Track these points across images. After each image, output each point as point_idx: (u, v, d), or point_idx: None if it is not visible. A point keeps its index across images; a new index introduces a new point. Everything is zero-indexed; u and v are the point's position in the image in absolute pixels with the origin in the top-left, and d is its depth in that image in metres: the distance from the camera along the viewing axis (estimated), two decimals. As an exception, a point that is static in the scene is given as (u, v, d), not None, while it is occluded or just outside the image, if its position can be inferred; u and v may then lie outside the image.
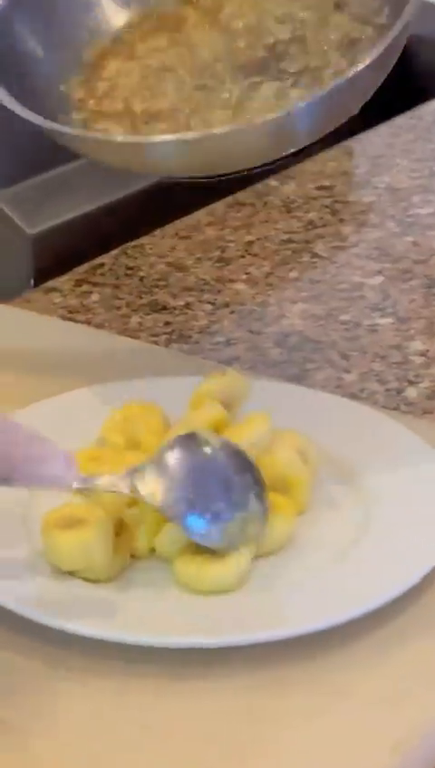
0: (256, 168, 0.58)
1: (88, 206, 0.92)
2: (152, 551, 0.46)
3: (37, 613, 0.41)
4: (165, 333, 0.70)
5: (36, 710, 0.39)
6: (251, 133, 0.53)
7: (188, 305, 0.73)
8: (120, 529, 0.45)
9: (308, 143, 0.57)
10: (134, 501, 0.45)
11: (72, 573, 0.44)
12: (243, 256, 0.79)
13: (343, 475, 0.51)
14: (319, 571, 0.46)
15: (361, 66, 0.52)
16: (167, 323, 0.71)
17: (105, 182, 0.93)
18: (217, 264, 0.78)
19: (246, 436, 0.48)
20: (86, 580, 0.44)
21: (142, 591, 0.45)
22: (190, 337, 0.70)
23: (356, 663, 0.41)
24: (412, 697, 0.41)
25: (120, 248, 0.80)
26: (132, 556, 0.46)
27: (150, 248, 0.80)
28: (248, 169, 0.58)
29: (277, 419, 0.49)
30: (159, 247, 0.80)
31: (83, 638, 0.41)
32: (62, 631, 0.41)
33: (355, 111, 0.56)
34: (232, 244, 0.80)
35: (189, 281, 0.76)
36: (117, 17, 0.61)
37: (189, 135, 0.55)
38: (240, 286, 0.76)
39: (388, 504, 0.49)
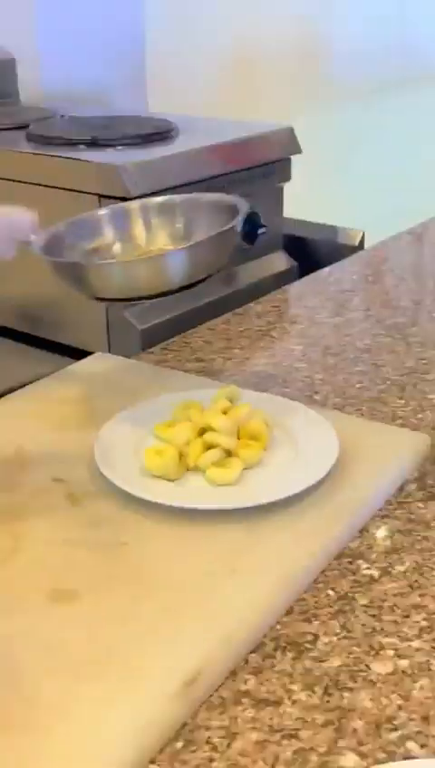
0: (172, 292, 0.89)
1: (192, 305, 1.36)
2: (196, 467, 0.80)
3: (146, 495, 0.75)
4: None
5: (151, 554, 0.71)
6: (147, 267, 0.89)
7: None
8: (181, 455, 0.79)
9: (187, 283, 0.89)
10: (191, 440, 0.80)
11: (160, 476, 0.79)
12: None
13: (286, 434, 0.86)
14: (274, 474, 0.80)
15: (198, 241, 0.90)
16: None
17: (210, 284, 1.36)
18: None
19: (239, 413, 0.84)
20: (166, 480, 0.79)
21: (194, 485, 0.79)
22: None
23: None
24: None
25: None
26: (187, 469, 0.80)
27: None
28: (165, 293, 0.90)
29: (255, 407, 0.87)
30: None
31: (171, 507, 0.74)
32: (157, 504, 0.74)
33: (199, 274, 0.90)
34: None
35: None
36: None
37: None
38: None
39: (305, 447, 0.83)
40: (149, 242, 0.97)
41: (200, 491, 0.78)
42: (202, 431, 0.81)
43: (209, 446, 0.79)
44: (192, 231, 0.97)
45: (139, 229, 0.98)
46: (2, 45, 1.77)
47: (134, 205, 1.01)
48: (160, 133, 1.35)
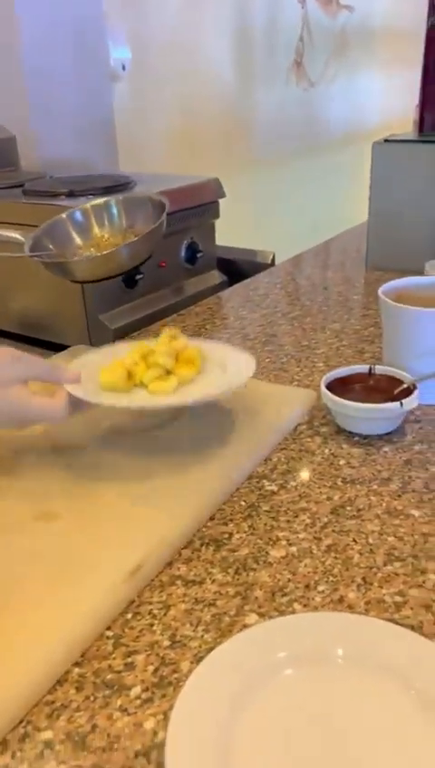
0: (120, 275, 0.91)
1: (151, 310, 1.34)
2: (141, 383, 0.73)
3: (97, 399, 0.68)
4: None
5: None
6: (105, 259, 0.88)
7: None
8: (131, 373, 0.73)
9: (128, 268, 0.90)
10: (139, 361, 0.73)
11: (111, 389, 0.71)
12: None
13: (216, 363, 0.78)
14: (202, 387, 0.73)
15: (136, 239, 0.88)
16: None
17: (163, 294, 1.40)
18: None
19: (177, 344, 0.77)
20: (118, 391, 0.72)
21: (140, 395, 0.72)
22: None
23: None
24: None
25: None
26: (135, 385, 0.73)
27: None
28: (114, 276, 0.91)
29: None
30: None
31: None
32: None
33: (141, 259, 0.91)
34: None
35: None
36: None
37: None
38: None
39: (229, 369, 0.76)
40: (104, 234, 0.97)
41: (143, 399, 0.72)
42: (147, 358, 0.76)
43: (152, 367, 0.74)
44: (133, 223, 0.98)
45: (95, 225, 0.98)
46: (4, 126, 1.73)
47: (87, 206, 0.99)
48: (121, 185, 1.33)
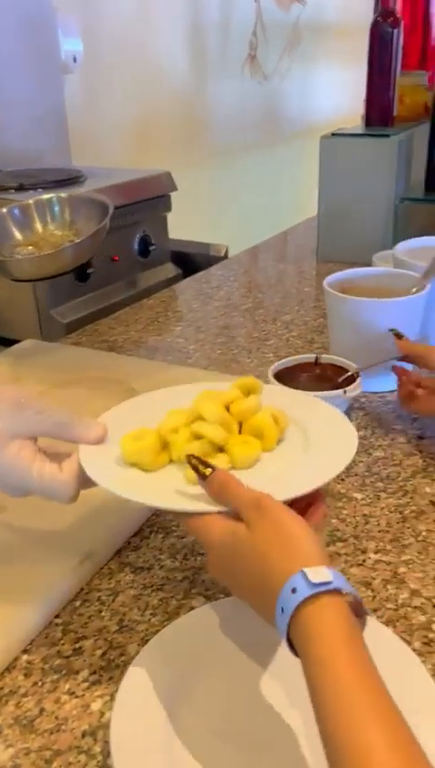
0: (59, 275, 0.87)
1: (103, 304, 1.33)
2: (179, 459, 0.51)
3: (118, 489, 0.47)
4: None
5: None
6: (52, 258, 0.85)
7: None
8: (165, 443, 0.52)
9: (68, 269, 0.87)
10: (175, 430, 0.51)
11: (134, 465, 0.50)
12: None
13: (297, 431, 0.54)
14: (279, 468, 0.50)
15: (78, 241, 0.86)
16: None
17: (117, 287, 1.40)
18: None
19: (242, 405, 0.53)
20: (144, 468, 0.50)
21: (167, 477, 0.50)
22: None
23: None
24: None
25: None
26: (171, 461, 0.51)
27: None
28: (52, 276, 0.88)
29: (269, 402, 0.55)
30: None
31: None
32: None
33: (83, 260, 0.88)
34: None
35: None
36: None
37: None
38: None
39: (315, 446, 0.51)
40: (45, 232, 0.95)
41: (173, 498, 0.47)
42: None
43: (197, 438, 0.51)
44: (75, 221, 0.95)
45: (37, 222, 0.96)
46: None
47: (30, 202, 0.97)
48: (71, 179, 1.33)
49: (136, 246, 1.45)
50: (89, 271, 1.31)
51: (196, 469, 0.46)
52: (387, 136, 1.26)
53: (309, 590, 0.36)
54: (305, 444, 0.53)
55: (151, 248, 1.47)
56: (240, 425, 0.53)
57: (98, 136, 2.05)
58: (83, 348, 1.05)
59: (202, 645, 0.49)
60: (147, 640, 0.51)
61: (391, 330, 0.79)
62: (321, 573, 0.37)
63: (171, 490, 0.48)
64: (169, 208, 1.52)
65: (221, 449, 0.51)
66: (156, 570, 0.59)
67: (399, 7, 1.28)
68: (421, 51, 1.45)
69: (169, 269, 1.56)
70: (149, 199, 1.45)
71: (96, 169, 1.51)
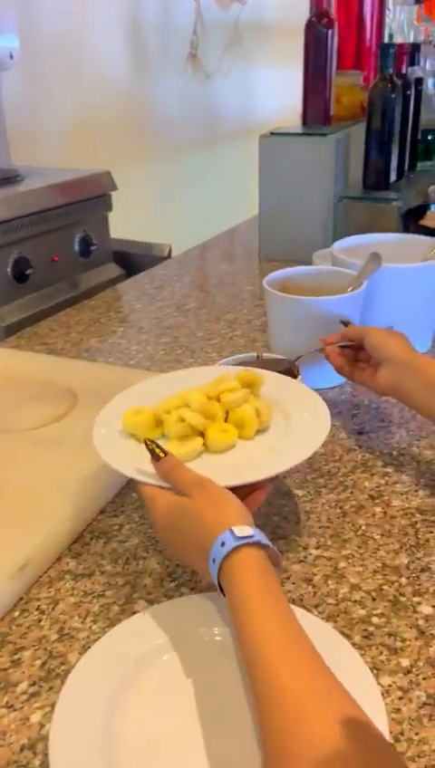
0: None
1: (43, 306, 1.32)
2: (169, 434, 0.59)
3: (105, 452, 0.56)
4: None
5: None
6: None
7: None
8: (160, 421, 0.60)
9: None
10: (168, 411, 0.59)
11: (132, 435, 0.59)
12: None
13: (283, 426, 0.61)
14: (246, 457, 0.58)
15: None
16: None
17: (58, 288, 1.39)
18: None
19: (229, 397, 0.60)
20: (136, 440, 0.59)
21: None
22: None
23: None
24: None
25: None
26: (163, 435, 0.59)
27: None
28: None
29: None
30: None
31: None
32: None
33: None
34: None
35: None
36: None
37: None
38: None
39: (282, 446, 0.58)
40: None
41: (141, 458, 0.55)
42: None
43: (179, 422, 0.59)
44: None
45: None
46: None
47: None
48: (8, 178, 1.30)
49: (77, 246, 1.43)
50: (28, 272, 1.28)
51: (152, 452, 0.54)
52: (324, 135, 1.28)
53: (234, 542, 0.45)
54: (279, 440, 0.59)
55: (92, 248, 1.45)
56: (227, 413, 0.61)
57: (37, 135, 2.02)
58: (22, 351, 1.02)
59: (137, 651, 0.49)
60: (88, 648, 0.50)
61: (342, 320, 0.80)
62: (245, 530, 0.45)
63: (144, 462, 0.54)
64: (109, 208, 1.50)
65: (202, 433, 0.59)
66: (97, 576, 0.58)
67: (334, 8, 1.29)
68: (356, 51, 1.47)
69: (112, 269, 1.55)
70: (89, 199, 1.43)
71: (35, 169, 1.48)
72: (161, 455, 0.54)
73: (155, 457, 0.54)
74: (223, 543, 0.45)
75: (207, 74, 3.11)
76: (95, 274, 1.49)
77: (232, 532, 0.45)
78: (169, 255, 1.57)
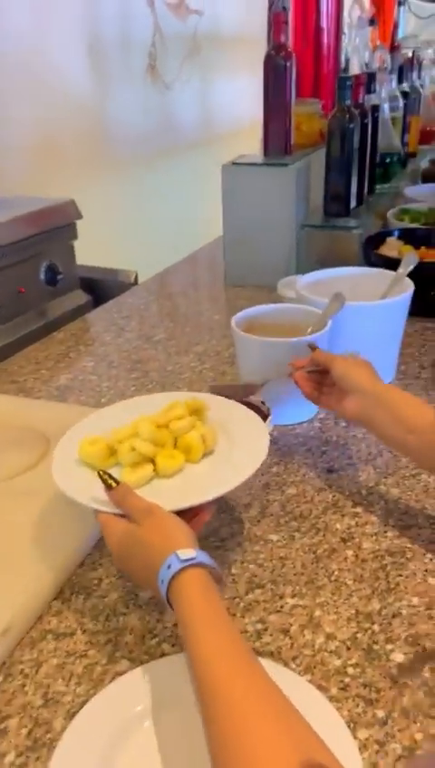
0: None
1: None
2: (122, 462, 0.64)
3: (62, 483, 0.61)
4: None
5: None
6: None
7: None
8: (113, 450, 0.65)
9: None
10: (120, 441, 0.64)
11: (88, 464, 0.64)
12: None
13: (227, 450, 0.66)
14: (192, 480, 0.63)
15: None
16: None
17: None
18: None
19: (177, 425, 0.66)
20: (94, 468, 0.62)
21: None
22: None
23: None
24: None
25: None
26: (117, 463, 0.65)
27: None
28: None
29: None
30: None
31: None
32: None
33: None
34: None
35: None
36: None
37: None
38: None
39: (223, 470, 0.63)
40: None
41: (95, 486, 0.60)
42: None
43: (130, 452, 0.65)
44: None
45: None
46: None
47: None
48: (-29, 210, 1.30)
49: (42, 276, 1.43)
50: (-6, 305, 1.28)
51: (104, 482, 0.59)
52: (286, 165, 1.30)
53: (179, 565, 0.50)
54: (222, 463, 0.65)
55: (59, 277, 1.45)
56: (176, 439, 0.66)
57: (-3, 157, 2.00)
58: (-8, 392, 1.02)
59: (123, 717, 0.50)
60: (73, 712, 0.51)
61: (310, 345, 0.80)
62: (188, 553, 0.51)
63: (100, 490, 0.59)
64: (75, 236, 1.51)
65: (153, 460, 0.64)
66: (78, 634, 0.59)
67: (291, 38, 1.32)
68: (314, 78, 1.50)
69: (79, 296, 1.55)
70: (55, 229, 1.43)
71: (-3, 197, 1.48)
72: (113, 484, 0.59)
73: (108, 487, 0.59)
74: (169, 566, 0.50)
75: (167, 85, 3.12)
76: (63, 302, 1.49)
77: (177, 555, 0.50)
78: (136, 281, 1.58)
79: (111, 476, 0.59)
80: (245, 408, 0.73)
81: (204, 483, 0.62)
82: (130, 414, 0.70)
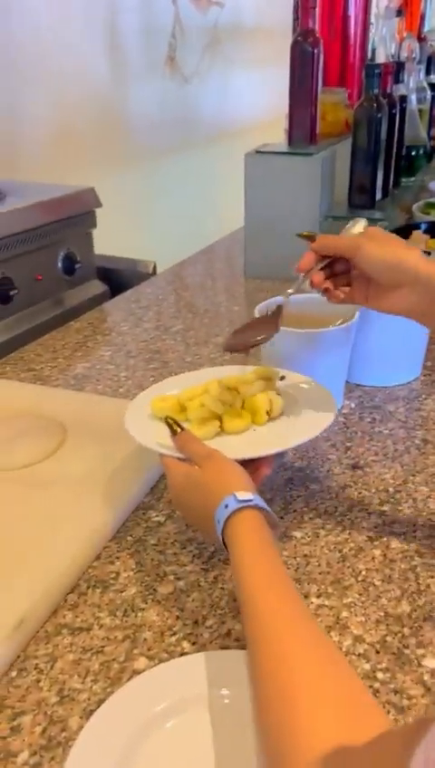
0: None
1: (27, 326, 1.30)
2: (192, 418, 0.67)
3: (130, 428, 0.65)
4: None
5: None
6: None
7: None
8: (184, 407, 0.69)
9: None
10: (191, 398, 0.68)
11: (160, 420, 0.66)
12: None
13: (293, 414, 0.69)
14: (256, 439, 0.66)
15: None
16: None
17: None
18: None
19: (246, 388, 0.70)
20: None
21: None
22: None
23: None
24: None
25: None
26: (187, 419, 0.68)
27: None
28: None
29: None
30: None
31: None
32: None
33: None
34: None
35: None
36: None
37: None
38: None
39: (285, 433, 0.66)
40: None
41: (163, 436, 0.63)
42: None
43: (198, 409, 0.68)
44: None
45: None
46: None
47: None
48: (-10, 196, 1.28)
49: (60, 264, 1.41)
50: (11, 292, 1.26)
51: (170, 426, 0.63)
52: (310, 154, 1.27)
53: (236, 505, 0.51)
54: (285, 427, 0.68)
55: (77, 266, 1.43)
56: (244, 401, 0.69)
57: (16, 144, 1.98)
58: (9, 380, 1.00)
59: (142, 718, 0.47)
60: (89, 711, 0.49)
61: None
62: (246, 495, 0.52)
63: (166, 439, 0.63)
64: (93, 224, 1.48)
65: (220, 418, 0.67)
66: (95, 630, 0.57)
67: (317, 26, 1.29)
68: (341, 67, 1.47)
69: (96, 286, 1.53)
70: (74, 216, 1.41)
71: (16, 185, 1.46)
72: (178, 430, 0.62)
73: (173, 432, 0.62)
74: (226, 506, 0.51)
75: (186, 78, 3.09)
76: (80, 292, 1.47)
77: (235, 495, 0.51)
78: (154, 272, 1.56)
79: (177, 422, 0.63)
80: (317, 384, 0.73)
81: (266, 441, 0.66)
82: (198, 381, 0.73)
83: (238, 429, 0.67)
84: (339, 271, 0.65)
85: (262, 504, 0.52)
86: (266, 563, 0.48)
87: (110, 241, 1.63)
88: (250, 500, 0.51)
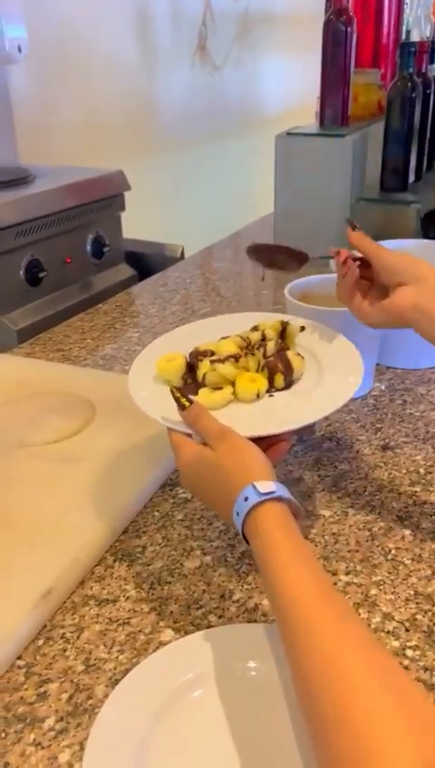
0: None
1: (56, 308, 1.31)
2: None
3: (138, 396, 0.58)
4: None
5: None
6: None
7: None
8: (193, 367, 0.62)
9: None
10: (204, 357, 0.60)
11: (166, 381, 0.61)
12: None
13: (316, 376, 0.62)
14: (272, 408, 0.58)
15: None
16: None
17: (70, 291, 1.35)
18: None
19: (266, 348, 0.62)
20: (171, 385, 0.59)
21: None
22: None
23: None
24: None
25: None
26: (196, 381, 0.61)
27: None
28: None
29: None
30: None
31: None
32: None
33: None
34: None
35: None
36: None
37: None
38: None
39: (309, 398, 0.59)
40: None
41: (169, 404, 0.56)
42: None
43: (210, 371, 0.61)
44: None
45: None
46: None
47: None
48: (20, 179, 1.28)
49: (89, 247, 1.41)
50: (41, 275, 1.27)
51: (177, 400, 0.55)
52: (342, 136, 1.26)
53: (257, 498, 0.47)
54: (306, 395, 0.59)
55: (105, 249, 1.43)
56: (259, 363, 0.61)
57: (46, 130, 1.99)
58: (37, 360, 1.01)
59: (168, 688, 0.47)
60: (115, 680, 0.49)
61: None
62: (267, 486, 0.47)
63: (172, 408, 0.55)
64: (122, 208, 1.48)
65: (232, 382, 0.60)
66: (121, 602, 0.57)
67: (351, 4, 1.27)
68: (374, 48, 1.44)
69: (124, 270, 1.53)
70: (102, 199, 1.41)
71: (45, 168, 1.46)
72: (187, 404, 0.55)
73: (181, 406, 0.55)
74: (246, 498, 0.47)
75: (217, 66, 3.07)
76: (108, 276, 1.47)
77: (255, 487, 0.47)
78: (183, 256, 1.56)
79: (184, 394, 0.55)
80: (341, 336, 0.65)
81: (284, 412, 0.57)
82: (211, 333, 0.65)
83: (253, 396, 0.59)
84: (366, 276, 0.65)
85: (284, 493, 0.47)
86: (298, 566, 0.43)
87: (139, 228, 1.63)
88: (272, 492, 0.47)
